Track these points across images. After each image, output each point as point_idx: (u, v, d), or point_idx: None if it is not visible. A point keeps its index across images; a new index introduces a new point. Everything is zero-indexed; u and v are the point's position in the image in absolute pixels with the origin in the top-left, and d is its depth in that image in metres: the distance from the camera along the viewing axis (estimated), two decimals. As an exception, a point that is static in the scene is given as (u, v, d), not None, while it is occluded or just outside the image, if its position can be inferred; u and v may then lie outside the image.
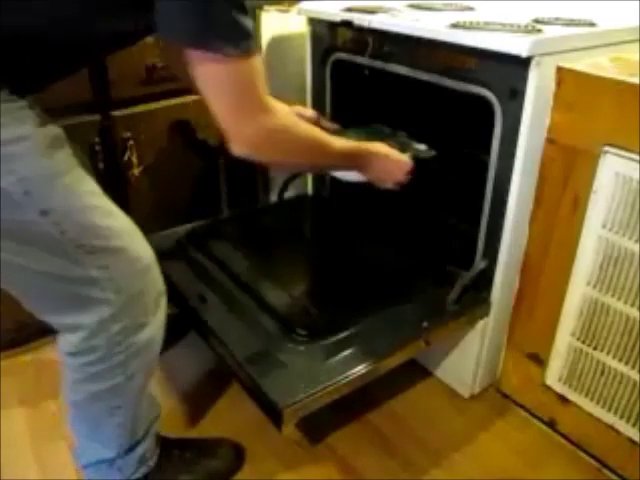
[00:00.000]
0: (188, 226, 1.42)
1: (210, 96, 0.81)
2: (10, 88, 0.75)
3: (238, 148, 0.86)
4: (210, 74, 0.79)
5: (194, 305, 1.18)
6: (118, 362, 0.89)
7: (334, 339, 1.07)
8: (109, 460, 0.98)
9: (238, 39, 0.77)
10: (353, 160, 1.08)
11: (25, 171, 0.75)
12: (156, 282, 0.92)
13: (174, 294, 1.13)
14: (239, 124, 0.84)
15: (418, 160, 1.17)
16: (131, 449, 0.99)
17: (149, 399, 1.02)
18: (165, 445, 1.07)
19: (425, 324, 1.13)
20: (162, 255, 0.96)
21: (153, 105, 1.37)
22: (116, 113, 1.33)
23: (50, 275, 0.82)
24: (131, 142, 1.34)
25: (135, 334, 0.89)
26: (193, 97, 1.41)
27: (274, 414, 0.95)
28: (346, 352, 1.05)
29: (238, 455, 1.17)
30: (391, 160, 1.13)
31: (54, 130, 0.80)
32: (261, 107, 0.85)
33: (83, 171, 0.83)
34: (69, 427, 1.01)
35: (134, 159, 1.36)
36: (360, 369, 1.02)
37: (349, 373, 1.01)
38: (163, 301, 0.94)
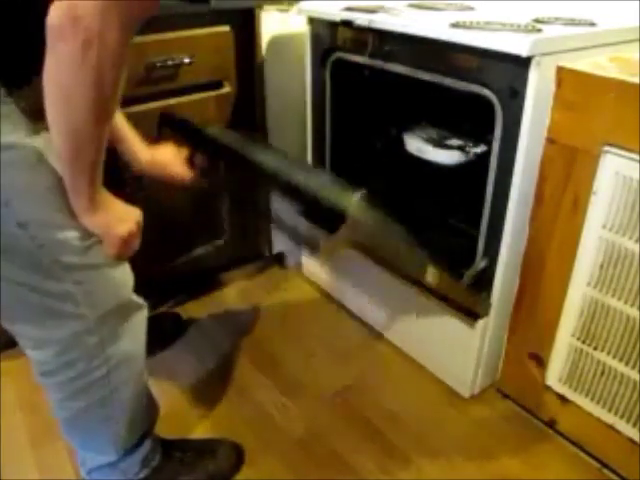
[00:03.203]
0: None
1: None
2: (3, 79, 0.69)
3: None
4: None
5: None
6: (100, 376, 0.88)
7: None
8: (111, 463, 0.98)
9: None
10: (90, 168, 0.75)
11: (7, 182, 0.72)
12: (132, 297, 0.90)
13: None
14: None
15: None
16: (132, 451, 0.99)
17: (147, 403, 1.02)
18: (166, 446, 1.07)
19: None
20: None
21: (152, 105, 1.36)
22: (116, 113, 1.32)
23: (23, 285, 0.79)
24: (131, 142, 1.34)
25: (114, 345, 0.87)
26: (193, 97, 1.41)
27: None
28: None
29: (238, 456, 1.17)
30: (127, 223, 0.85)
31: (43, 141, 0.74)
32: None
33: (65, 188, 0.76)
34: (64, 437, 1.01)
35: (134, 159, 1.35)
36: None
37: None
38: (141, 315, 0.93)
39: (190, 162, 1.11)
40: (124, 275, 0.89)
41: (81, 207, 0.77)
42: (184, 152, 1.12)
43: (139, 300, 0.92)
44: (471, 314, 1.24)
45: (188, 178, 1.11)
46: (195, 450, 1.12)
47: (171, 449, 1.09)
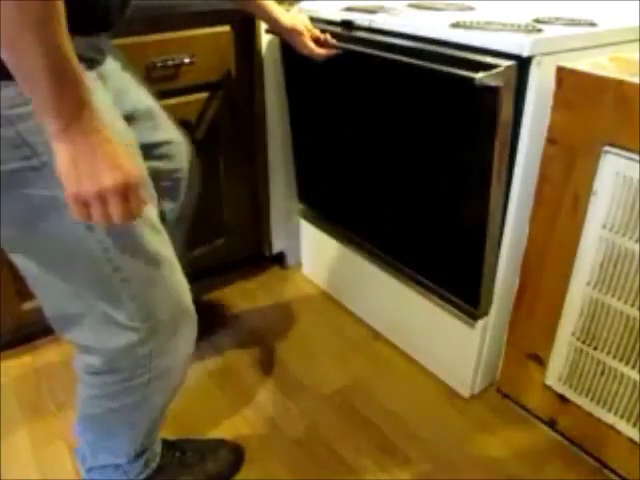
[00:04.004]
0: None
1: None
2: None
3: None
4: None
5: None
6: (141, 382, 0.88)
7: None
8: (115, 465, 0.98)
9: None
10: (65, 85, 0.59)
11: None
12: (187, 312, 0.89)
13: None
14: None
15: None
16: (140, 455, 0.99)
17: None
18: (166, 447, 1.07)
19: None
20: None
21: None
22: (116, 113, 1.33)
23: (82, 291, 0.79)
24: (131, 142, 1.34)
25: (160, 358, 0.87)
26: (193, 97, 1.41)
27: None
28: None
29: (238, 456, 1.17)
30: (108, 153, 0.64)
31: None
32: None
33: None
34: (74, 432, 1.00)
35: (134, 159, 1.36)
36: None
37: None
38: (192, 330, 0.92)
39: (317, 40, 1.24)
40: (179, 289, 0.87)
41: (49, 126, 0.61)
42: (315, 31, 1.25)
43: (192, 313, 0.90)
44: (471, 314, 1.25)
45: (315, 53, 1.23)
46: (195, 450, 1.12)
47: (171, 449, 1.09)
